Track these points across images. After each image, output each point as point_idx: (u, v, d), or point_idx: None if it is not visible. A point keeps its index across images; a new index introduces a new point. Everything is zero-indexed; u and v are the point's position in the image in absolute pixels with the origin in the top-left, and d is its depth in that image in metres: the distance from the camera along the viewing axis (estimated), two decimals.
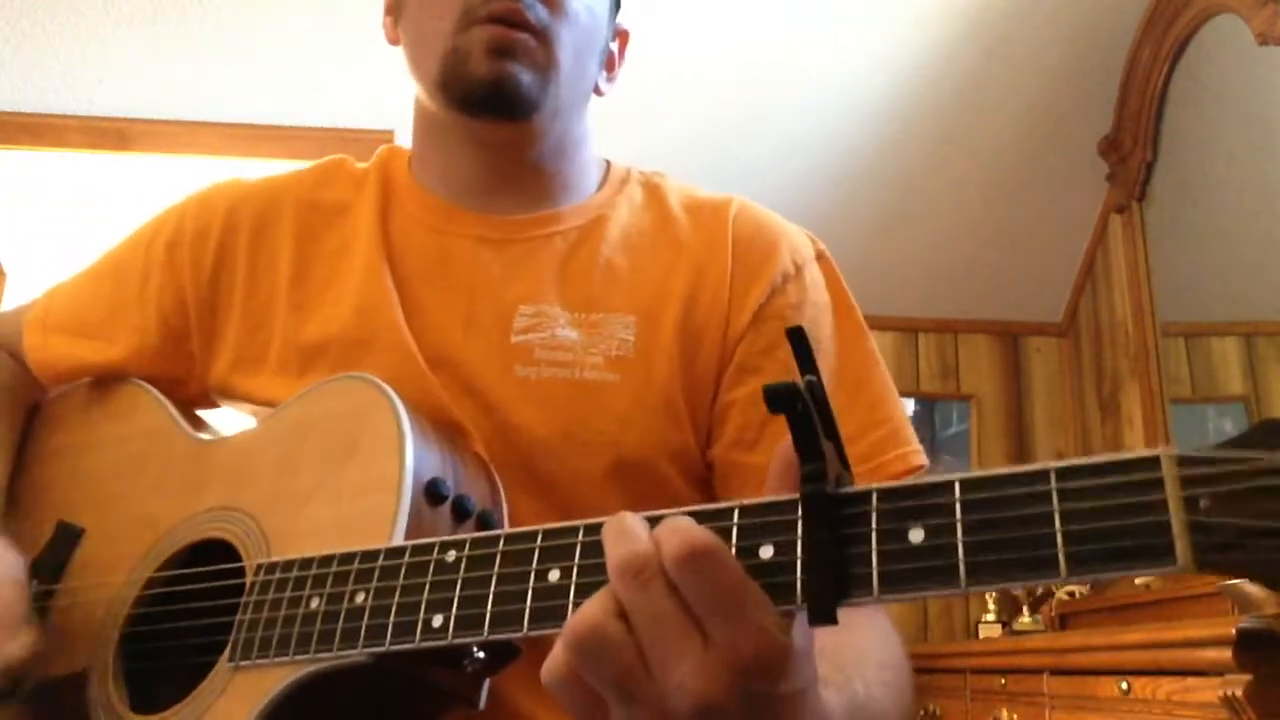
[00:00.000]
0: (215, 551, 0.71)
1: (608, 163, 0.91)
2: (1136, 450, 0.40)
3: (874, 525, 0.44)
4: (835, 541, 0.44)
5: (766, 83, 2.76)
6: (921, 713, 2.72)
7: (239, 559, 0.69)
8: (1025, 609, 2.98)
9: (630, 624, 0.44)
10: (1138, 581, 2.39)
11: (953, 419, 3.36)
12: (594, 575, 0.49)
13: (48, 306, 0.92)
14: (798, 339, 0.45)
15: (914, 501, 0.43)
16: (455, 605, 0.54)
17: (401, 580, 0.57)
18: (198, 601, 0.70)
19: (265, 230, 0.86)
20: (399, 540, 0.60)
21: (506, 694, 0.66)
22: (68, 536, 0.82)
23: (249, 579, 0.65)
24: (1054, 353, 3.43)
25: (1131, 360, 2.92)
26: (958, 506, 0.42)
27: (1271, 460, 0.36)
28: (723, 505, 0.48)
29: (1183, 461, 0.38)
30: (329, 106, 2.81)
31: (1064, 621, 2.73)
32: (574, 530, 0.51)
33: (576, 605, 0.48)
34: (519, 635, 0.51)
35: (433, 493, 0.63)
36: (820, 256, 0.84)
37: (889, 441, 0.76)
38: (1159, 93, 2.73)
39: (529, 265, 0.80)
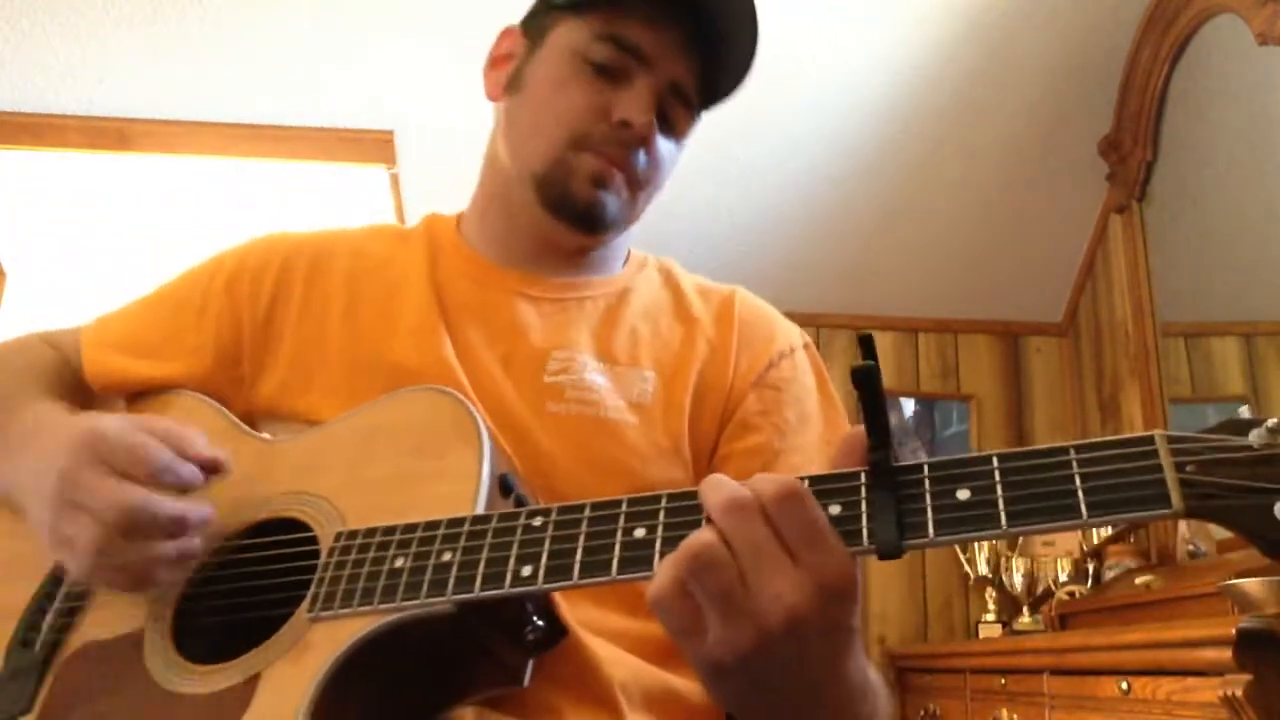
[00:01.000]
0: (285, 531, 0.74)
1: (629, 251, 1.03)
2: (1137, 434, 0.52)
3: (927, 489, 0.54)
4: (897, 499, 0.54)
5: (766, 82, 2.76)
6: (922, 713, 2.72)
7: (309, 534, 0.72)
8: (1025, 609, 2.99)
9: (733, 549, 0.53)
10: (1138, 581, 2.39)
11: (953, 419, 3.36)
12: (678, 530, 0.58)
13: (103, 328, 0.97)
14: (867, 344, 0.55)
15: (959, 470, 0.54)
16: (545, 557, 0.61)
17: (490, 540, 0.63)
18: (266, 568, 0.73)
19: (320, 267, 0.94)
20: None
21: (538, 687, 0.71)
22: None
23: (328, 545, 0.70)
24: (1054, 353, 3.43)
25: (1131, 360, 2.92)
26: (997, 473, 0.54)
27: (1236, 441, 0.50)
28: (794, 477, 0.56)
29: (1172, 439, 0.51)
30: (329, 106, 2.81)
31: (1064, 621, 2.73)
32: (657, 498, 0.60)
33: (662, 554, 0.57)
34: (609, 580, 0.58)
35: (504, 485, 0.70)
36: (807, 345, 0.96)
37: None
38: (1159, 93, 2.73)
39: (563, 319, 0.90)
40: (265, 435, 0.85)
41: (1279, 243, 2.35)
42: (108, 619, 0.75)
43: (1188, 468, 0.49)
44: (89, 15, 2.56)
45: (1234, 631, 1.38)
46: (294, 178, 3.05)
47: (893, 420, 3.32)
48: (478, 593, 0.61)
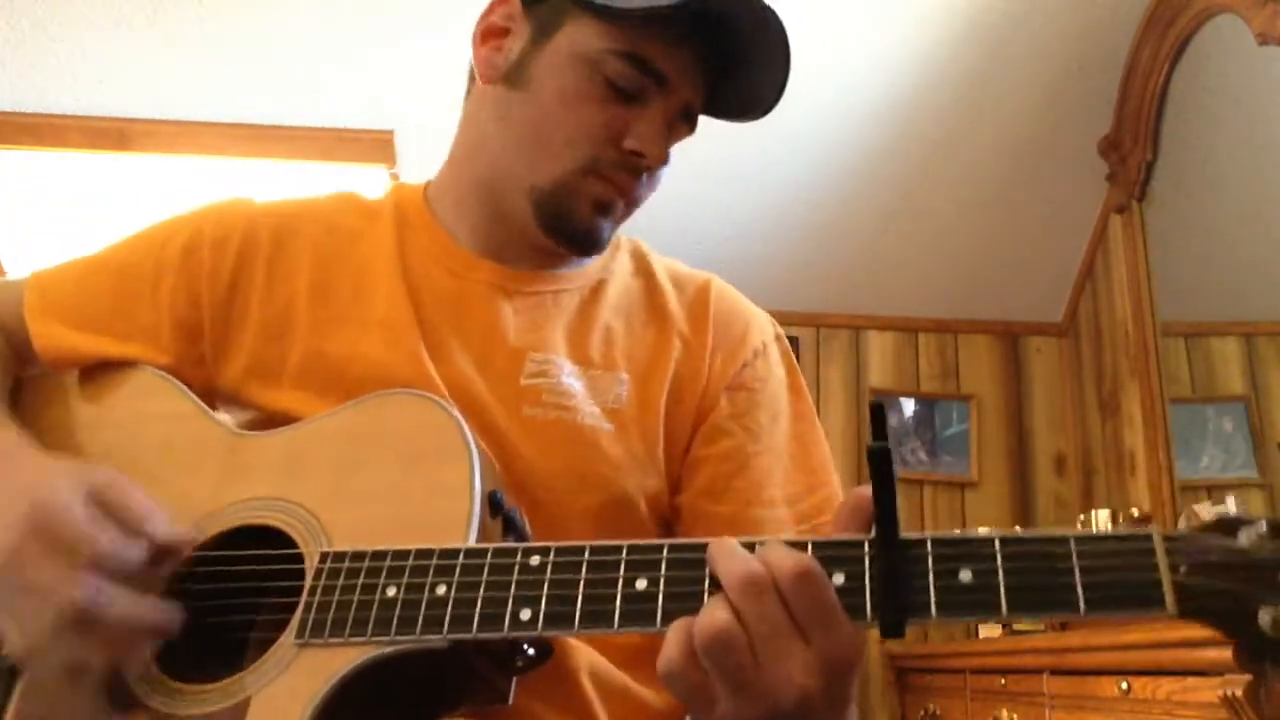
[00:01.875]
0: (259, 538, 0.73)
1: None
2: (1134, 529, 0.56)
3: (930, 566, 0.55)
4: (900, 574, 0.55)
5: None
6: (922, 713, 2.72)
7: (289, 545, 0.71)
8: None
9: (748, 630, 0.54)
10: None
11: (953, 419, 3.36)
12: (680, 585, 0.58)
13: (44, 294, 0.92)
14: (878, 413, 0.57)
15: (963, 549, 0.55)
16: (544, 602, 0.60)
17: (486, 577, 0.62)
18: (244, 581, 0.72)
19: (284, 244, 0.89)
20: (471, 543, 0.65)
21: (520, 698, 0.70)
22: None
23: (313, 564, 0.68)
24: (1054, 353, 3.43)
25: (1131, 360, 2.92)
26: (999, 556, 0.55)
27: (1229, 543, 0.52)
28: (797, 539, 0.58)
29: (1168, 538, 0.53)
30: (329, 106, 2.80)
31: (1064, 622, 2.73)
32: (659, 547, 0.60)
33: (665, 610, 0.58)
34: (610, 632, 0.59)
35: (493, 503, 0.69)
36: (778, 337, 0.95)
37: (823, 506, 0.88)
38: (1159, 93, 2.73)
39: (538, 318, 0.88)
40: (234, 426, 0.83)
41: (1279, 243, 2.35)
42: None
43: (1181, 569, 0.52)
44: (89, 15, 2.56)
45: None
46: (294, 178, 3.05)
47: (891, 421, 3.32)
48: (475, 634, 0.61)
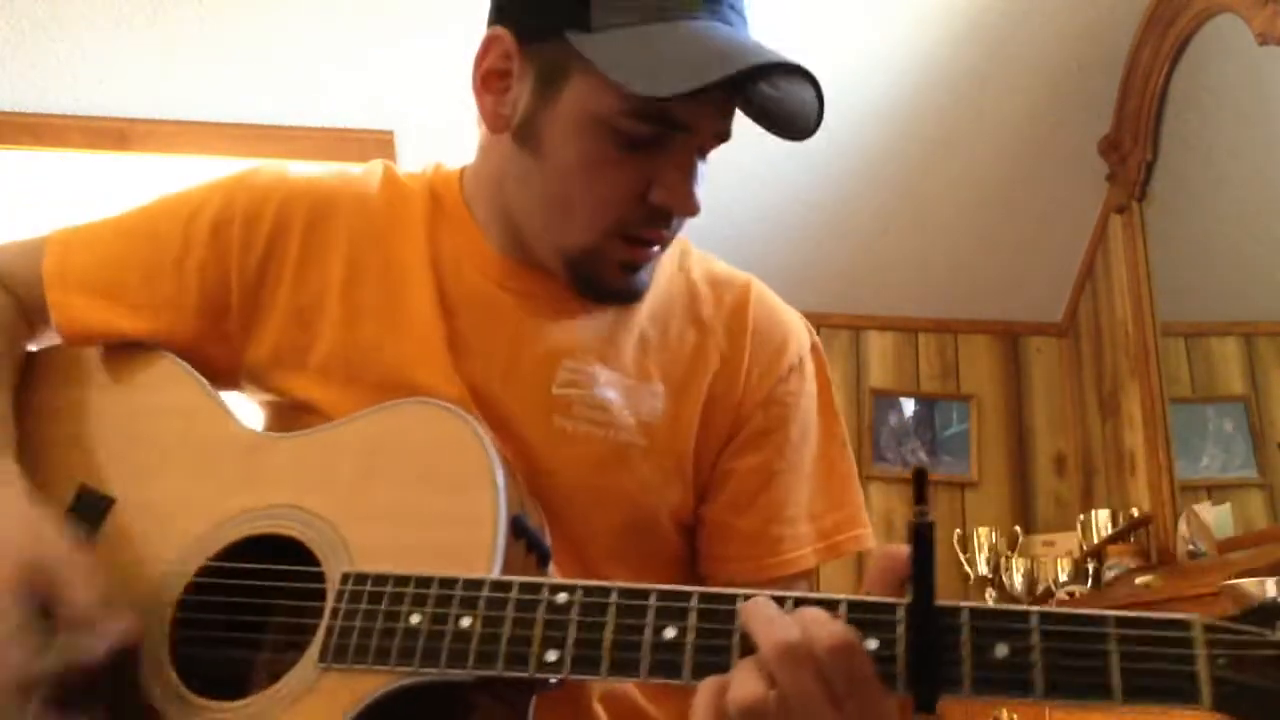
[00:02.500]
0: (276, 547, 0.72)
1: None
2: (1176, 614, 0.53)
3: (965, 638, 0.54)
4: (936, 649, 0.54)
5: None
6: None
7: (307, 558, 0.70)
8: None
9: (784, 700, 0.54)
10: (1138, 581, 2.39)
11: (953, 419, 3.36)
12: (709, 638, 0.58)
13: (66, 259, 0.88)
14: (920, 479, 0.55)
15: (1000, 624, 0.54)
16: (571, 644, 0.60)
17: (511, 613, 0.62)
18: (262, 596, 0.71)
19: (319, 227, 0.86)
20: (496, 573, 0.65)
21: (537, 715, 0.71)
22: (95, 504, 0.79)
23: (334, 584, 0.67)
24: (1054, 353, 3.43)
25: (1131, 360, 2.92)
26: (1036, 634, 0.53)
27: (1265, 635, 0.50)
28: (830, 597, 0.57)
29: (1210, 629, 0.51)
30: (329, 106, 2.80)
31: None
32: (688, 595, 0.59)
33: (695, 663, 0.58)
34: (637, 680, 0.59)
35: (517, 527, 0.68)
36: (814, 348, 0.93)
37: (848, 522, 0.89)
38: (1159, 93, 2.73)
39: (571, 324, 0.84)
40: (252, 427, 0.81)
41: (1279, 243, 2.35)
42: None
43: (1219, 661, 0.51)
44: (89, 15, 2.56)
45: None
46: None
47: (891, 421, 3.33)
48: (500, 671, 0.61)
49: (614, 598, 0.60)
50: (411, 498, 0.70)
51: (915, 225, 3.18)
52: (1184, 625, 0.52)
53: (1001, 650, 0.53)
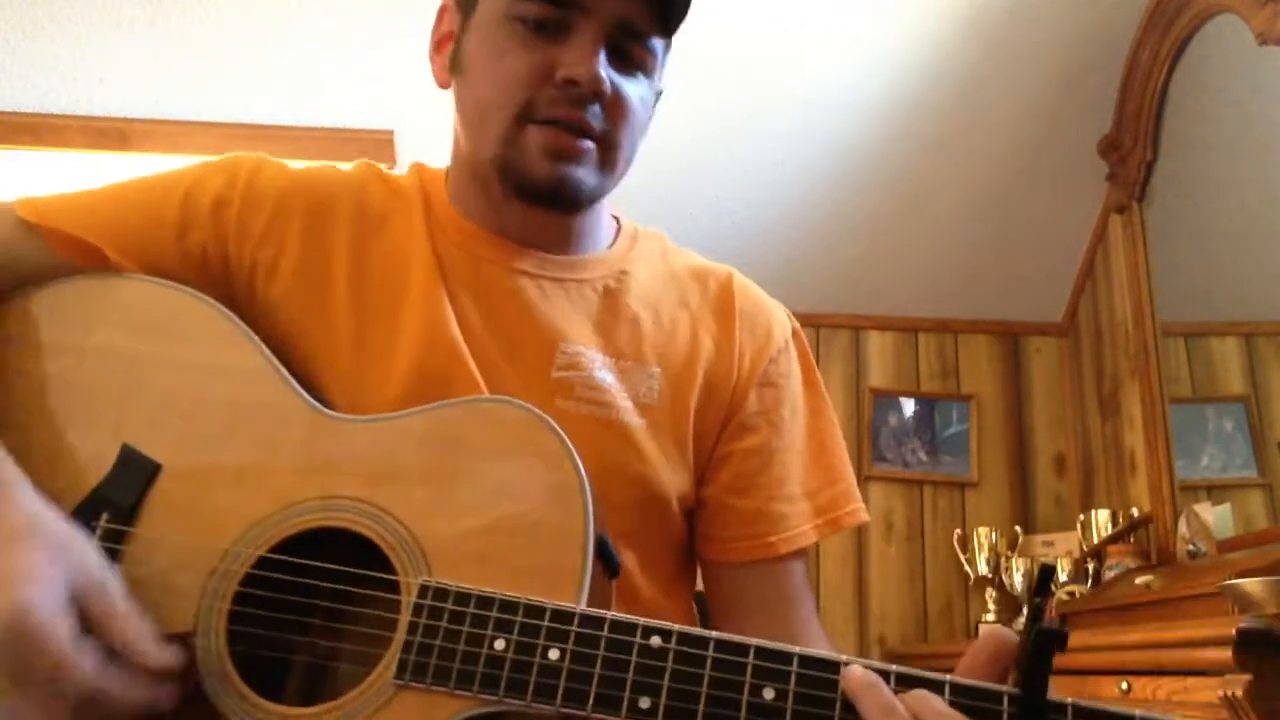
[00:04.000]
0: (338, 540, 0.69)
1: (616, 218, 0.97)
2: None
3: None
4: None
5: (766, 83, 2.76)
6: None
7: (373, 556, 0.67)
8: (1025, 609, 2.99)
9: None
10: (1138, 581, 2.39)
11: (953, 419, 3.36)
12: (809, 704, 0.56)
13: (39, 205, 0.83)
14: (1046, 578, 0.56)
15: None
16: (665, 694, 0.58)
17: (602, 651, 0.60)
18: (325, 595, 0.68)
19: (320, 220, 0.86)
20: (583, 601, 0.63)
21: None
22: (139, 468, 0.73)
23: (411, 594, 0.65)
24: (1054, 353, 3.43)
25: (1131, 360, 2.91)
26: None
27: None
28: (935, 677, 0.56)
29: None
30: (329, 106, 2.81)
31: (1064, 622, 2.73)
32: (789, 657, 0.58)
33: None
34: None
35: (600, 549, 0.66)
36: (795, 331, 0.96)
37: (843, 498, 0.91)
38: (1159, 93, 2.73)
39: (565, 307, 0.86)
40: (316, 403, 0.74)
41: (1279, 243, 2.35)
42: (151, 601, 0.66)
43: None
44: (89, 16, 2.56)
45: (1234, 632, 1.38)
46: None
47: (891, 421, 3.32)
48: (589, 712, 0.59)
49: (711, 649, 0.59)
50: (494, 507, 0.67)
51: (915, 225, 3.18)
52: None
53: None
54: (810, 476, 0.90)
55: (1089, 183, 3.05)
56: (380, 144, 2.85)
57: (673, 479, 0.84)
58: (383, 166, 0.94)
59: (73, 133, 2.79)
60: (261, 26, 2.61)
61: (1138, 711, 0.54)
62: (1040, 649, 0.53)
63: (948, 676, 0.56)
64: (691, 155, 2.83)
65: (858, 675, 0.56)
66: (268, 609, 0.69)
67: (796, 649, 0.58)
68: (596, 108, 0.79)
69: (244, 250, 0.84)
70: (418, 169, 0.94)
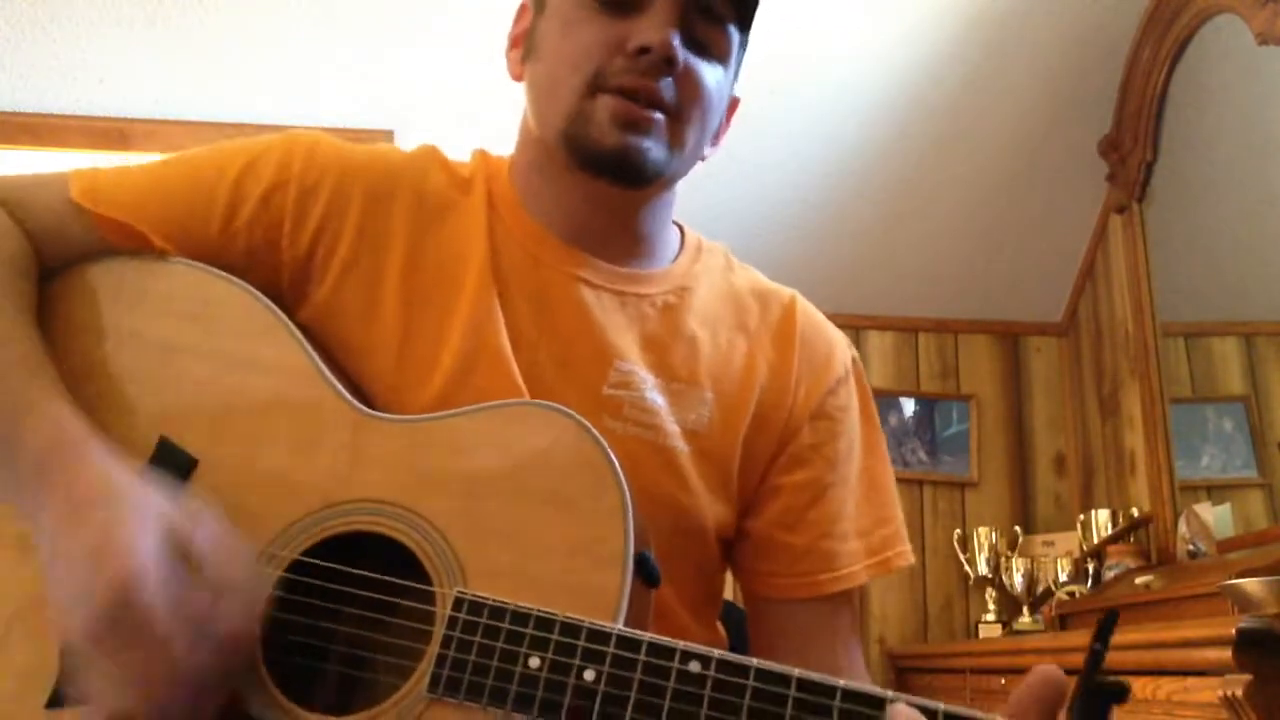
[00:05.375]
0: (373, 545, 0.67)
1: (680, 228, 0.95)
2: None
3: None
4: None
5: (767, 84, 2.76)
6: None
7: (410, 563, 0.66)
8: (1025, 609, 2.99)
9: None
10: (1138, 581, 2.39)
11: (953, 419, 3.36)
12: None
13: (93, 181, 0.82)
14: (1107, 628, 0.54)
15: None
16: None
17: (639, 675, 0.58)
18: (361, 603, 0.67)
19: (378, 206, 0.83)
20: (621, 621, 0.61)
21: None
22: (177, 462, 0.71)
23: (446, 606, 0.63)
24: (1054, 353, 3.43)
25: (1131, 360, 2.92)
26: None
27: None
28: (985, 717, 0.53)
29: None
30: (329, 106, 2.80)
31: (1064, 621, 2.73)
32: (832, 690, 0.55)
33: None
34: None
35: (640, 564, 0.65)
36: (855, 361, 0.92)
37: (892, 540, 0.88)
38: (1159, 93, 2.73)
39: (622, 322, 0.83)
40: (355, 402, 0.73)
41: (1279, 242, 2.35)
42: None
43: None
44: (89, 15, 2.56)
45: (1234, 632, 1.38)
46: None
47: (891, 421, 3.32)
48: None
49: (751, 679, 0.57)
50: (534, 519, 0.65)
51: (915, 225, 3.18)
52: None
53: None
54: (862, 515, 0.87)
55: (1089, 183, 3.05)
56: (380, 144, 2.86)
57: (713, 508, 0.82)
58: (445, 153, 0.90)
59: (72, 132, 2.79)
60: (261, 26, 2.61)
61: None
62: (1096, 703, 0.51)
63: (997, 717, 0.53)
64: None
65: (904, 714, 0.54)
66: (302, 613, 0.68)
67: (841, 682, 0.56)
68: (669, 80, 0.78)
69: (299, 239, 0.81)
70: (482, 157, 0.91)
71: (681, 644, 0.59)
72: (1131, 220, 2.92)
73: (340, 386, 0.74)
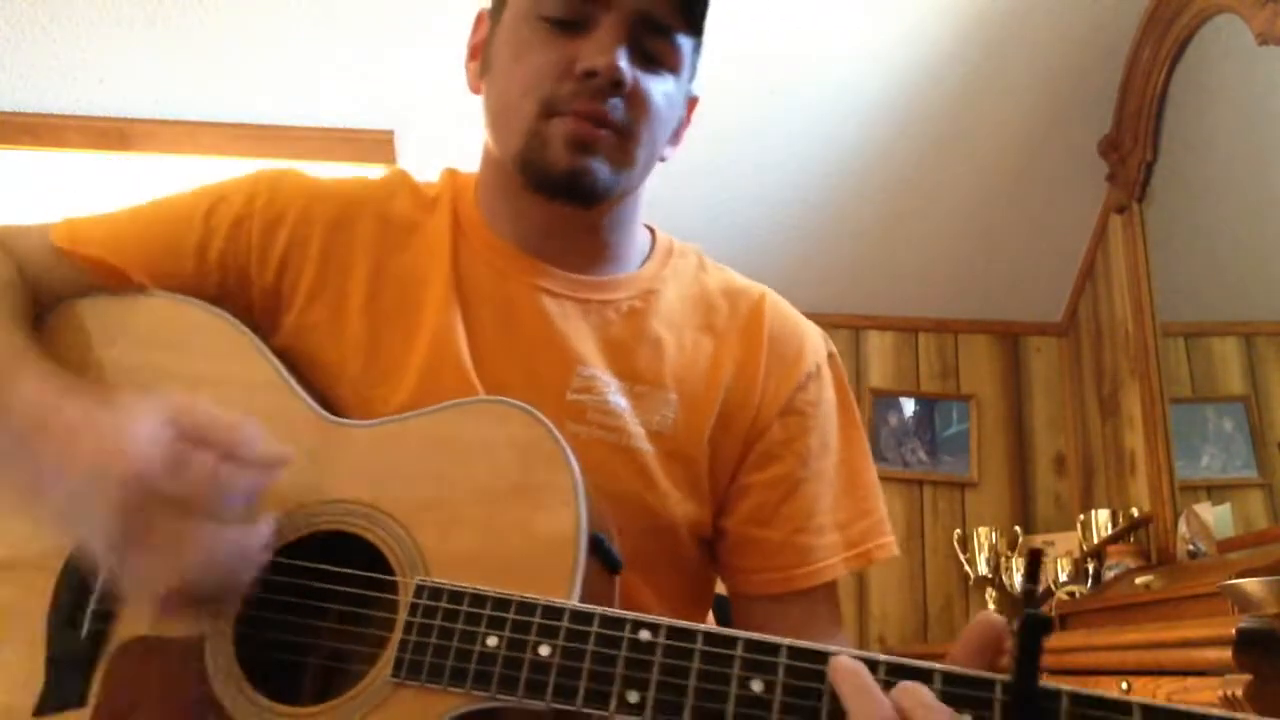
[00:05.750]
0: (342, 543, 0.70)
1: (652, 231, 0.95)
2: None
3: None
4: None
5: (767, 84, 2.76)
6: None
7: (376, 556, 0.69)
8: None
9: None
10: (1138, 581, 2.39)
11: (953, 419, 3.36)
12: (796, 696, 0.56)
13: (72, 227, 0.87)
14: (1034, 563, 0.54)
15: (1100, 712, 0.52)
16: (654, 687, 0.59)
17: (592, 646, 0.61)
18: (328, 597, 0.70)
19: (341, 231, 0.87)
20: (575, 598, 0.64)
21: None
22: None
23: (408, 595, 0.66)
24: (1054, 353, 3.43)
25: (1131, 360, 2.92)
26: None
27: None
28: (924, 666, 0.55)
29: None
30: (329, 106, 2.81)
31: (1064, 621, 2.73)
32: (776, 648, 0.58)
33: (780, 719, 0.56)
34: None
35: (595, 546, 0.67)
36: (830, 356, 0.92)
37: (873, 531, 0.88)
38: (1159, 93, 2.73)
39: (585, 328, 0.84)
40: (320, 409, 0.77)
41: (1279, 242, 2.35)
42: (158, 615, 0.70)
43: None
44: (89, 15, 2.56)
45: (1234, 632, 1.38)
46: None
47: (891, 421, 3.32)
48: (579, 707, 0.59)
49: (699, 642, 0.59)
50: (489, 508, 0.68)
51: (915, 225, 3.18)
52: None
53: None
54: (840, 508, 0.87)
55: (1089, 183, 3.05)
56: (380, 144, 2.85)
57: (682, 506, 0.83)
58: (389, 169, 0.93)
59: (72, 133, 2.79)
60: (262, 26, 2.61)
61: (1133, 697, 0.53)
62: (1029, 634, 0.52)
63: (938, 665, 0.55)
64: (692, 155, 2.83)
65: (841, 662, 0.56)
66: (274, 611, 0.70)
67: (786, 640, 0.58)
68: (617, 100, 0.79)
69: (266, 269, 0.85)
70: (451, 176, 0.93)
71: (632, 614, 0.61)
72: (1131, 220, 2.92)
73: (309, 398, 0.77)
